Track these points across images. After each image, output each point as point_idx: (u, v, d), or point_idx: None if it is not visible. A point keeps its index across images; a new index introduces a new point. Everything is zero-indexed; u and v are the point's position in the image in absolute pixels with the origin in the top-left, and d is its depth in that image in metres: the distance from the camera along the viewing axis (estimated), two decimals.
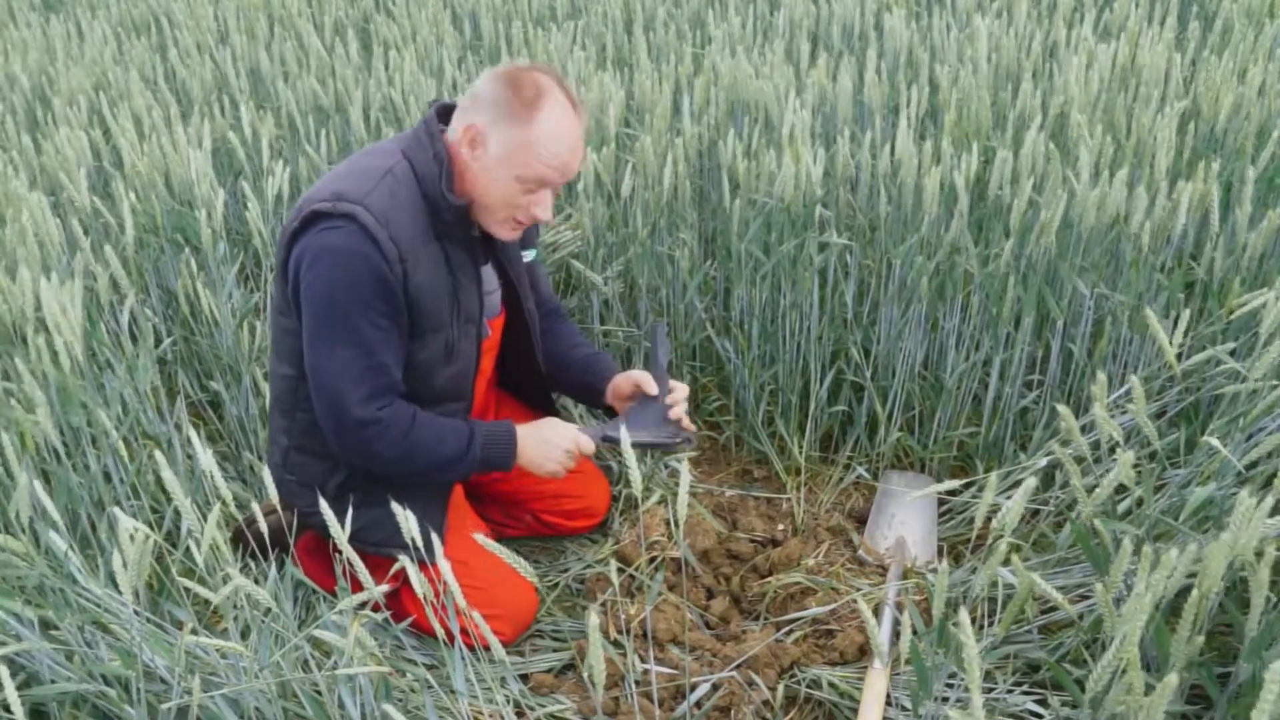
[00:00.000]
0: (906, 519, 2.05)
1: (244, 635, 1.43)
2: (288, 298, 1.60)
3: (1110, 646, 1.09)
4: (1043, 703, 1.55)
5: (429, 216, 1.59)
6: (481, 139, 1.56)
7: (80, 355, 1.77)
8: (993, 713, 1.55)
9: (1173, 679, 0.97)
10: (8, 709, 1.07)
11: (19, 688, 1.35)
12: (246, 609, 1.39)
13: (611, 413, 1.89)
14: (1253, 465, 1.61)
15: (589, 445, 1.75)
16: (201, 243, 2.23)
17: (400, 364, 1.61)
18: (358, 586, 1.67)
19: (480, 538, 1.29)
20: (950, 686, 1.59)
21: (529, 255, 1.86)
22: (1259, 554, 1.17)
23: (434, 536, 1.26)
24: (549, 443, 1.72)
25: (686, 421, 1.81)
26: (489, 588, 1.71)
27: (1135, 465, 1.32)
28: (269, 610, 1.39)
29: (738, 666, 1.67)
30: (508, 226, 1.63)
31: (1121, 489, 1.71)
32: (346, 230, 1.50)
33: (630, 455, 1.27)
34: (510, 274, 1.79)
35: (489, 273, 1.76)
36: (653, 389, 1.77)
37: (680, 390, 1.80)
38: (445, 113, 1.66)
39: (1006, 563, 1.72)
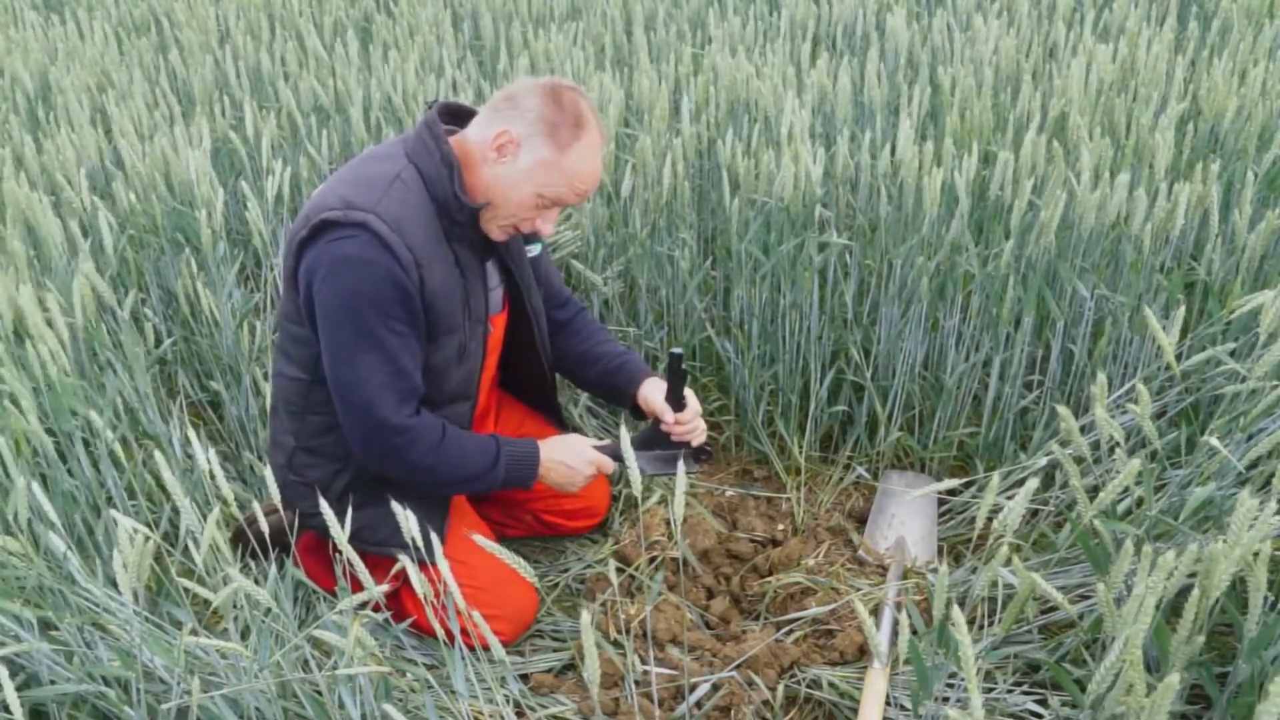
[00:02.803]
0: (906, 519, 2.05)
1: (244, 635, 1.43)
2: (299, 306, 1.60)
3: (1111, 649, 1.09)
4: (1043, 703, 1.55)
5: (439, 220, 1.59)
6: (514, 148, 1.56)
7: (65, 361, 1.77)
8: (993, 713, 1.55)
9: (1174, 680, 0.97)
10: (7, 709, 1.07)
11: (18, 689, 1.35)
12: (246, 609, 1.39)
13: (638, 413, 1.89)
14: (1253, 465, 1.61)
15: (610, 466, 1.77)
16: (201, 243, 2.23)
17: (420, 368, 1.61)
18: (358, 586, 1.67)
19: (479, 538, 1.29)
20: (950, 686, 1.59)
21: (534, 250, 1.86)
22: (1256, 554, 1.17)
23: (434, 536, 1.26)
24: (571, 467, 1.74)
25: (700, 438, 1.82)
26: (489, 588, 1.71)
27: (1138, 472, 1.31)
28: (269, 610, 1.39)
29: (738, 666, 1.67)
30: (506, 232, 1.64)
31: (1122, 489, 1.71)
32: (360, 239, 1.50)
33: (634, 469, 1.27)
34: (513, 270, 1.79)
35: (490, 268, 1.76)
36: (668, 416, 1.78)
37: (690, 411, 1.80)
38: (446, 112, 1.66)
39: (1007, 563, 1.72)
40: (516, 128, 1.56)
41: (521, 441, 1.73)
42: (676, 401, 1.78)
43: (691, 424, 1.80)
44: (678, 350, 1.75)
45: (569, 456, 1.74)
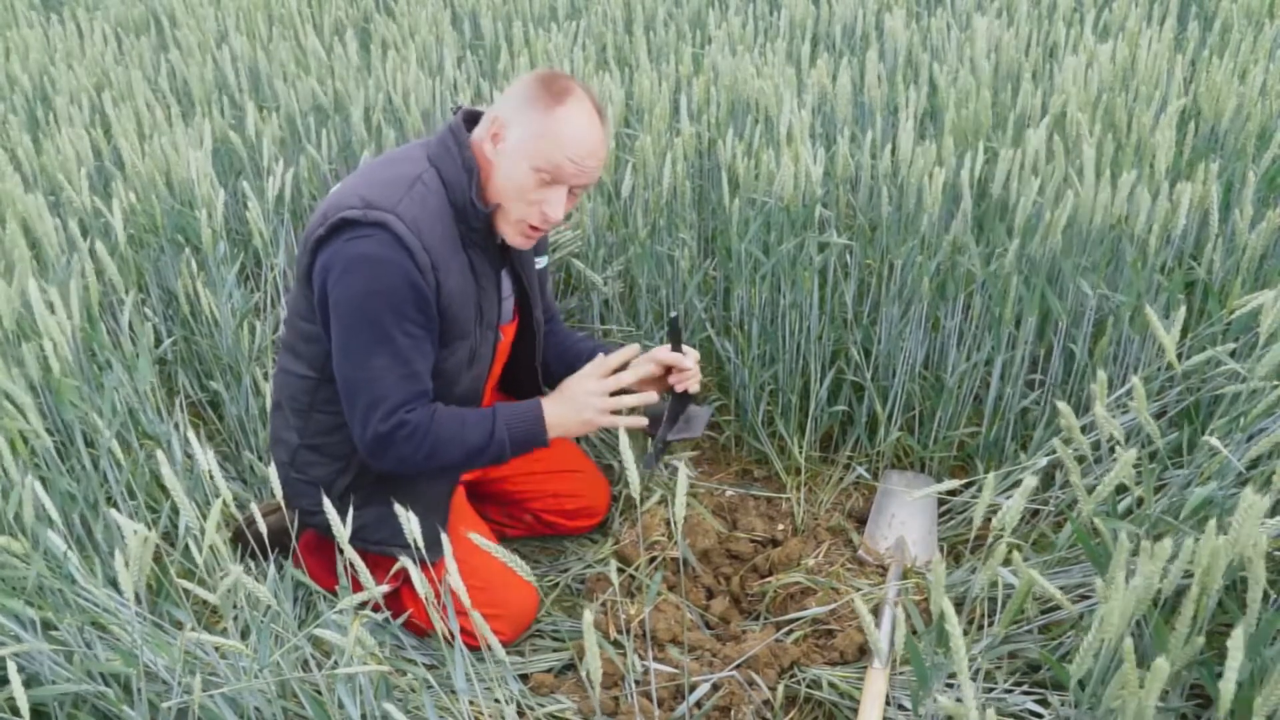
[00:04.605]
0: (906, 519, 2.05)
1: (244, 635, 1.43)
2: (312, 304, 1.59)
3: (1093, 626, 1.09)
4: (1043, 702, 1.55)
5: (457, 225, 1.59)
6: (503, 129, 1.57)
7: (69, 357, 1.77)
8: (992, 712, 1.55)
9: (1163, 664, 0.97)
10: (14, 710, 1.08)
11: None
12: (246, 609, 1.39)
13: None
14: (1253, 465, 1.61)
15: (618, 364, 1.68)
16: (201, 243, 2.23)
17: (429, 371, 1.60)
18: (358, 586, 1.67)
19: (476, 538, 1.29)
20: (950, 686, 1.59)
21: (541, 262, 1.87)
22: (1254, 545, 1.16)
23: (435, 536, 1.27)
24: (570, 396, 1.66)
25: (696, 384, 1.79)
26: (489, 588, 1.71)
27: (1136, 465, 1.32)
28: (269, 609, 1.39)
29: (738, 666, 1.67)
30: (521, 229, 1.61)
31: (1122, 488, 1.71)
32: (379, 239, 1.49)
33: (633, 470, 1.27)
34: (524, 280, 1.80)
35: (505, 278, 1.77)
36: (686, 363, 1.74)
37: (692, 356, 1.78)
38: (471, 120, 1.66)
39: (1007, 562, 1.72)
40: (504, 112, 1.57)
41: (523, 402, 1.69)
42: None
43: (694, 368, 1.78)
44: (675, 314, 1.74)
45: (567, 389, 1.68)
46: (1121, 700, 1.05)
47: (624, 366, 1.72)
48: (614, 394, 1.67)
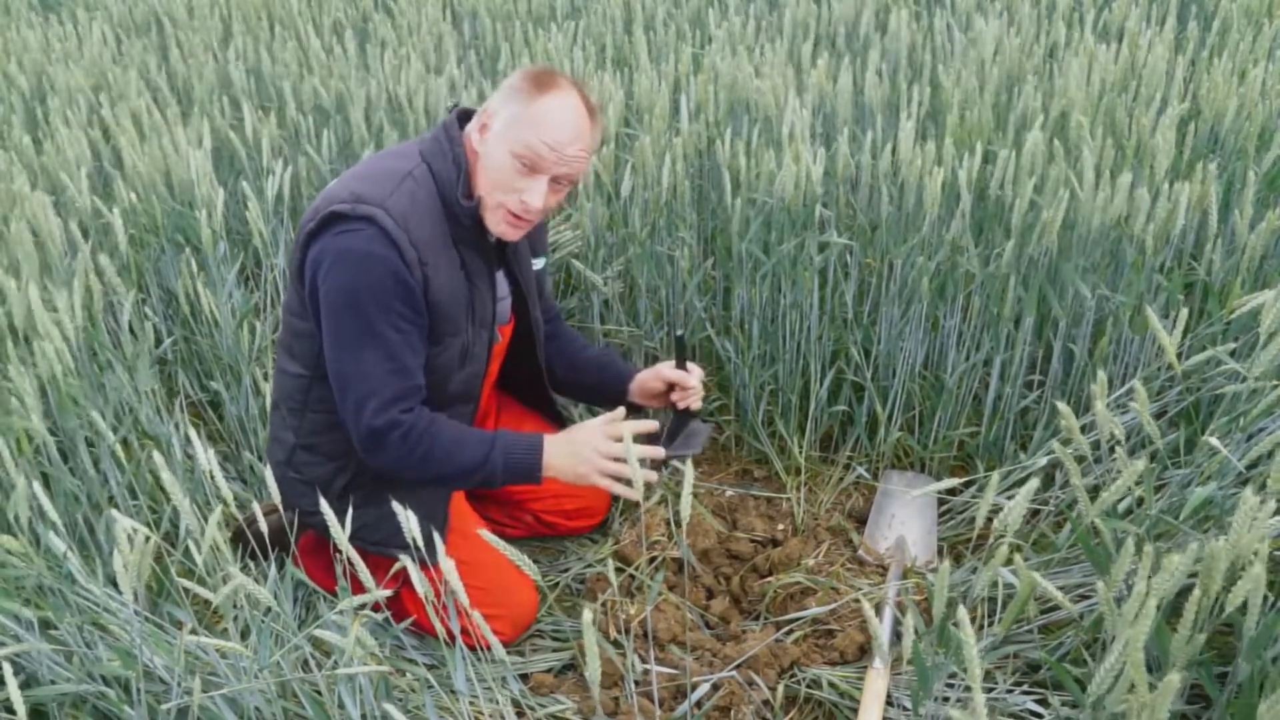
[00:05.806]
0: (906, 519, 2.05)
1: (244, 635, 1.43)
2: (304, 299, 1.59)
3: (1112, 649, 1.09)
4: (1043, 702, 1.55)
5: (447, 222, 1.59)
6: (491, 119, 1.57)
7: (70, 360, 1.77)
8: (993, 713, 1.55)
9: (1175, 679, 0.97)
10: (9, 709, 1.07)
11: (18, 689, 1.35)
12: (246, 609, 1.39)
13: (633, 410, 1.87)
14: (1253, 465, 1.61)
15: (622, 423, 1.65)
16: (201, 243, 2.23)
17: (421, 366, 1.60)
18: (358, 586, 1.67)
19: (485, 533, 1.30)
20: (950, 686, 1.59)
21: (538, 264, 1.86)
22: (1255, 553, 1.17)
23: (435, 536, 1.27)
24: (575, 442, 1.63)
25: (699, 401, 1.83)
26: (490, 588, 1.71)
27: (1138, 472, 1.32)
28: (269, 610, 1.39)
29: (738, 666, 1.67)
30: (502, 216, 1.58)
31: (1124, 490, 1.71)
32: (366, 233, 1.49)
33: (637, 472, 1.27)
34: (520, 281, 1.80)
35: (500, 280, 1.77)
36: (690, 380, 1.78)
37: (696, 374, 1.82)
38: (465, 117, 1.66)
39: (1007, 563, 1.72)
40: (493, 104, 1.59)
41: (526, 434, 1.68)
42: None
43: (697, 386, 1.81)
44: (680, 333, 1.81)
45: (573, 433, 1.66)
46: (1128, 705, 1.05)
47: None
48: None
